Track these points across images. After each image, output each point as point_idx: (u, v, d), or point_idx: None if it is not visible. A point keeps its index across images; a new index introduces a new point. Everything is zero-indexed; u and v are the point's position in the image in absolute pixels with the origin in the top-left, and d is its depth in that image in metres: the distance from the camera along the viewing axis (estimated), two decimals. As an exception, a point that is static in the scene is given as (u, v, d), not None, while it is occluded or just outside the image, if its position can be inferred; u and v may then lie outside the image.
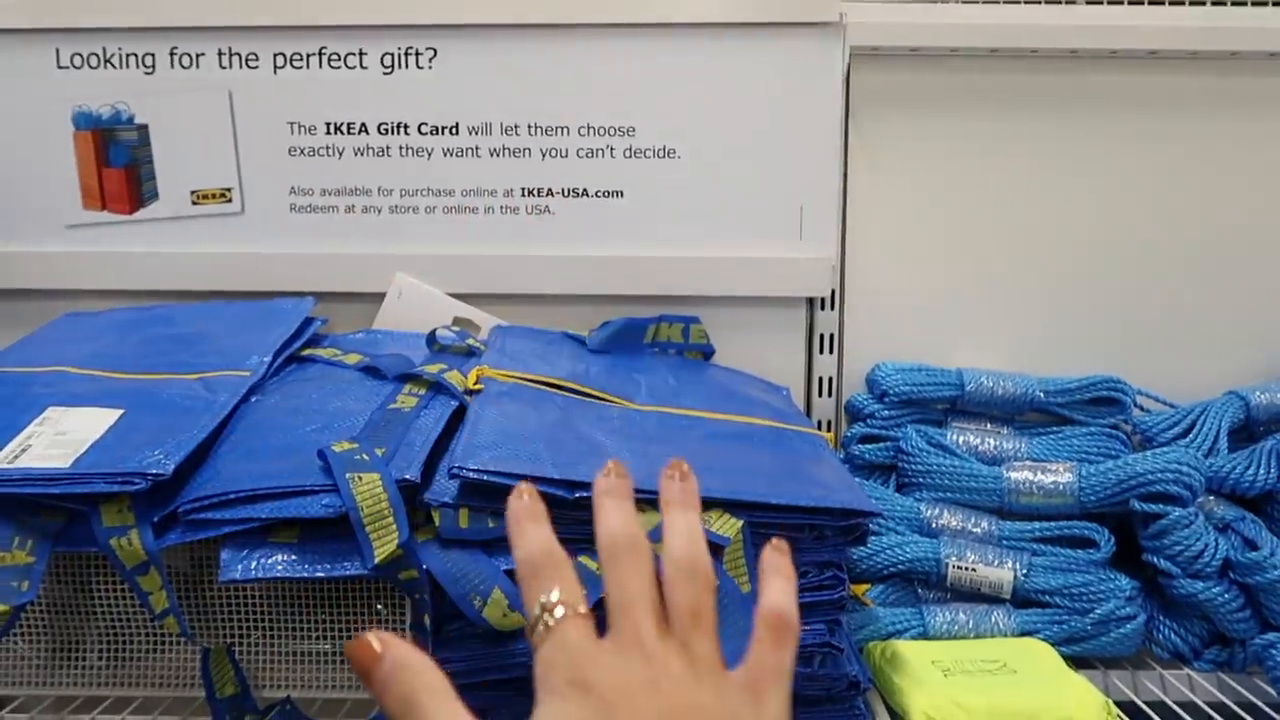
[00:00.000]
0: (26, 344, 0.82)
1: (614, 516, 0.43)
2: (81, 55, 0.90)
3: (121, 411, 0.66)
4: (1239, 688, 0.70)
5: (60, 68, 0.91)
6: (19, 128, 0.91)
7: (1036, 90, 0.91)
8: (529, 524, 0.42)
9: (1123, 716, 0.60)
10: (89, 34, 0.90)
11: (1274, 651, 0.64)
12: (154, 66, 0.91)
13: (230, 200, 0.92)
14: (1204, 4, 0.89)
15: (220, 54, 0.90)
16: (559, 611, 0.38)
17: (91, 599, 0.65)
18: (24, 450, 0.61)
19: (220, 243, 0.92)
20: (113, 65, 0.91)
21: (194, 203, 0.92)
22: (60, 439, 0.63)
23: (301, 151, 0.91)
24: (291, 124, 0.91)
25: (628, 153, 0.90)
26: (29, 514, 0.59)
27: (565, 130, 0.90)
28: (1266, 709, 0.66)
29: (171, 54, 0.90)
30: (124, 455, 0.61)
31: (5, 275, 0.92)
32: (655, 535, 0.56)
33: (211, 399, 0.69)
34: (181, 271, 0.92)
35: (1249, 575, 0.69)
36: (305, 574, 0.57)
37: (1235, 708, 0.67)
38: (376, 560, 0.56)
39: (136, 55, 0.90)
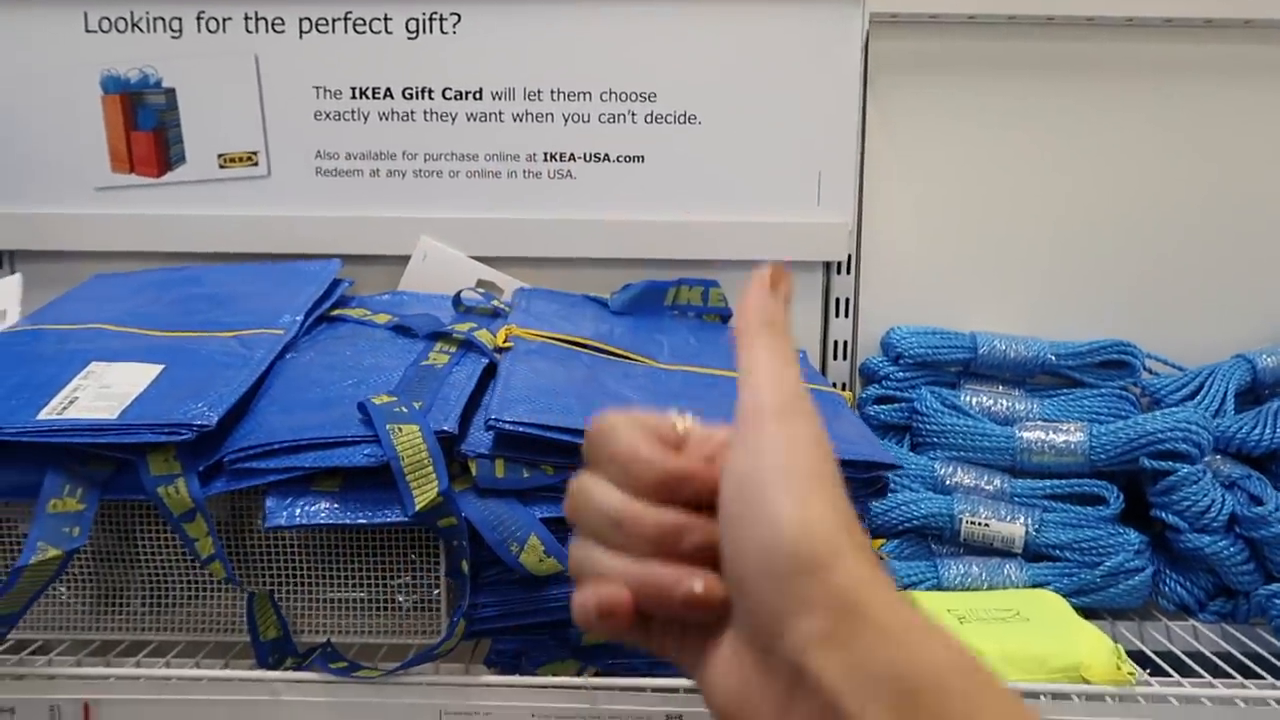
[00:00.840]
0: (60, 303, 0.83)
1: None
2: (109, 19, 0.92)
3: (163, 366, 0.68)
4: (1243, 638, 0.72)
5: (88, 31, 0.92)
6: (48, 91, 0.92)
7: (1053, 57, 0.92)
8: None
9: (1131, 662, 0.63)
10: (116, -2, 0.91)
11: (1277, 602, 0.66)
12: (181, 30, 0.92)
13: (257, 164, 0.94)
14: (1219, -28, 0.90)
15: (246, 18, 0.91)
16: None
17: (135, 547, 0.67)
18: (71, 402, 0.63)
19: (247, 205, 0.94)
20: (140, 29, 0.92)
21: (221, 166, 0.94)
22: (105, 392, 0.65)
23: (327, 115, 0.92)
24: (317, 88, 0.92)
25: (649, 118, 0.92)
26: (78, 463, 0.61)
27: (587, 95, 0.92)
28: (1270, 658, 0.68)
29: (198, 18, 0.92)
30: (169, 407, 0.63)
31: (35, 237, 0.94)
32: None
33: (249, 355, 0.71)
34: (209, 234, 0.93)
35: (1254, 529, 0.71)
36: (349, 521, 0.59)
37: (1240, 656, 0.69)
38: (418, 507, 0.58)
39: (164, 19, 0.92)
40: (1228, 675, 0.66)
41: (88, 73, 0.92)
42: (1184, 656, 0.69)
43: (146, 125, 0.93)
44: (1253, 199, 0.94)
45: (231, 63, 0.92)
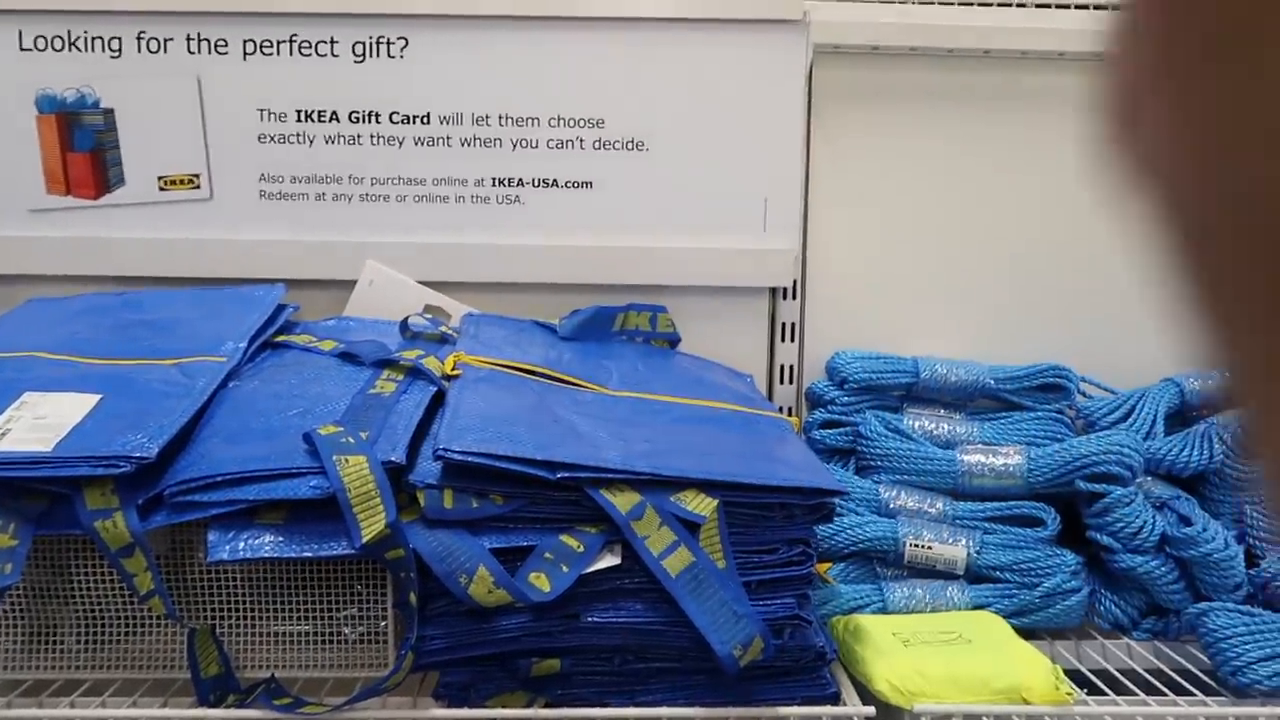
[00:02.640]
0: (-8, 329, 0.81)
1: None
2: (45, 37, 0.90)
3: (100, 397, 0.67)
4: (1174, 655, 0.74)
5: (24, 50, 0.90)
6: (-20, 110, 0.90)
7: (989, 88, 0.95)
8: None
9: (1069, 683, 0.65)
10: (53, 16, 0.89)
11: (1205, 619, 0.69)
12: (120, 50, 0.90)
13: (199, 186, 0.92)
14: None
15: (189, 39, 0.90)
16: None
17: (70, 583, 0.66)
18: (3, 434, 0.62)
19: (188, 229, 0.92)
20: (78, 48, 0.90)
21: (161, 188, 0.92)
22: (40, 423, 0.63)
23: (271, 138, 0.91)
24: (261, 111, 0.91)
25: (597, 144, 0.92)
26: (10, 498, 0.60)
27: (535, 121, 0.92)
28: (1199, 674, 0.71)
29: (139, 38, 0.90)
30: (106, 439, 0.61)
31: (-34, 259, 0.91)
32: (636, 513, 0.59)
33: (190, 384, 0.70)
34: (149, 258, 0.91)
35: (1184, 549, 0.74)
36: (294, 554, 0.59)
37: (1171, 673, 0.71)
38: (365, 540, 0.57)
39: (102, 39, 0.90)
40: (1160, 693, 0.68)
41: (22, 92, 0.90)
42: (1118, 674, 0.71)
43: (84, 146, 0.91)
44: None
45: (173, 84, 0.91)
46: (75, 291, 0.89)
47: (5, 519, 0.59)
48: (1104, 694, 0.67)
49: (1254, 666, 0.65)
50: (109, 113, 0.91)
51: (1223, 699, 0.66)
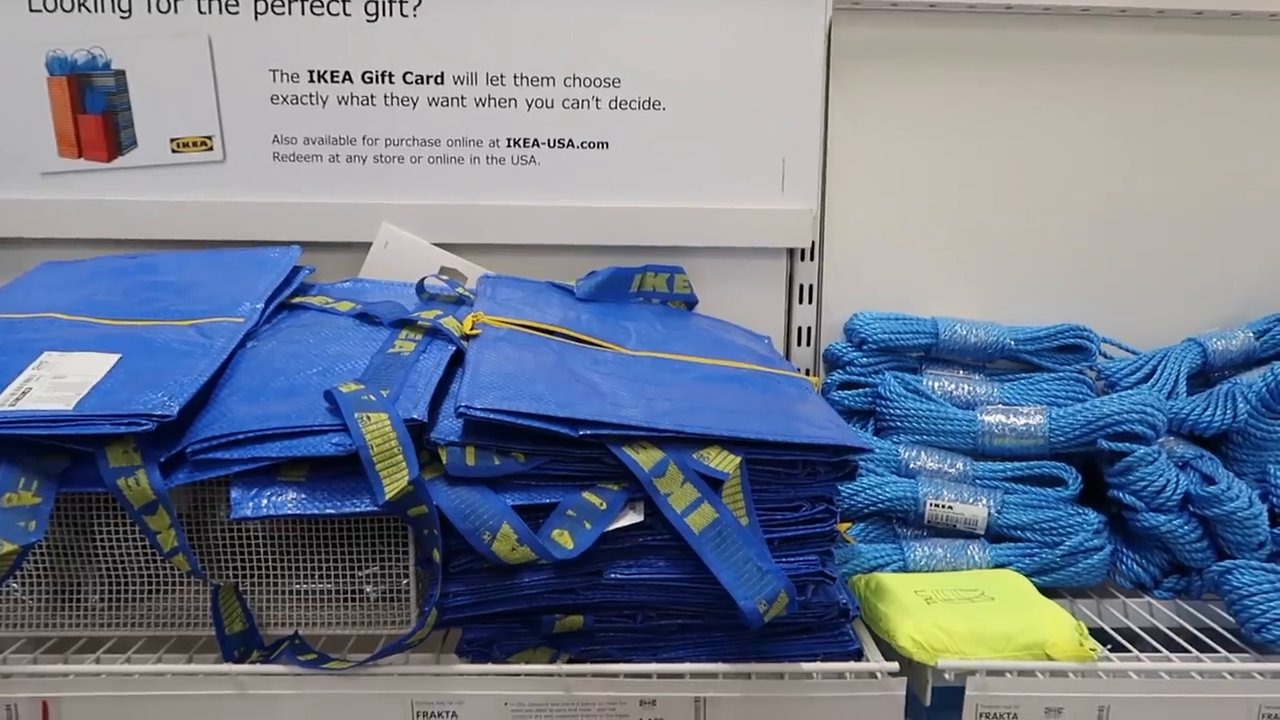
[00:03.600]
0: (7, 291, 0.81)
1: None
2: (54, -2, 0.88)
3: (119, 356, 0.67)
4: (1196, 613, 0.74)
5: (33, 10, 0.89)
6: (-9, 72, 0.89)
7: (1012, 46, 0.93)
8: None
9: (1093, 640, 0.64)
10: (61, -24, 0.88)
11: (1229, 577, 0.68)
12: (131, 10, 0.89)
13: (211, 148, 0.91)
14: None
15: (199, -1, 0.89)
16: None
17: (93, 541, 0.66)
18: (24, 393, 0.62)
19: (201, 191, 0.91)
20: (87, 9, 0.89)
21: (174, 150, 0.91)
22: (60, 382, 0.63)
23: (284, 99, 0.90)
24: (274, 71, 0.90)
25: (613, 104, 0.91)
26: (33, 456, 0.59)
27: (551, 81, 0.91)
28: (1222, 631, 0.71)
29: (148, -2, 0.89)
30: (127, 398, 0.61)
31: (-21, 223, 0.90)
32: (658, 470, 0.59)
33: (208, 344, 0.69)
34: (162, 220, 0.91)
35: (1207, 508, 0.73)
36: (316, 511, 0.59)
37: (1194, 631, 0.71)
38: (388, 496, 0.57)
39: (112, -2, 0.89)
40: (1183, 649, 0.68)
41: (33, 54, 0.89)
42: (1140, 632, 0.71)
43: (95, 108, 0.91)
44: (1203, 187, 0.96)
45: (184, 45, 0.90)
46: (88, 255, 0.89)
47: (28, 477, 0.59)
48: (1127, 651, 0.67)
49: (1278, 623, 0.64)
50: (120, 74, 0.90)
51: (1246, 655, 0.66)
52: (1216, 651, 0.67)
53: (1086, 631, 0.63)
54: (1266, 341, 0.89)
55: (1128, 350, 0.92)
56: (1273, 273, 0.97)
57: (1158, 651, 0.67)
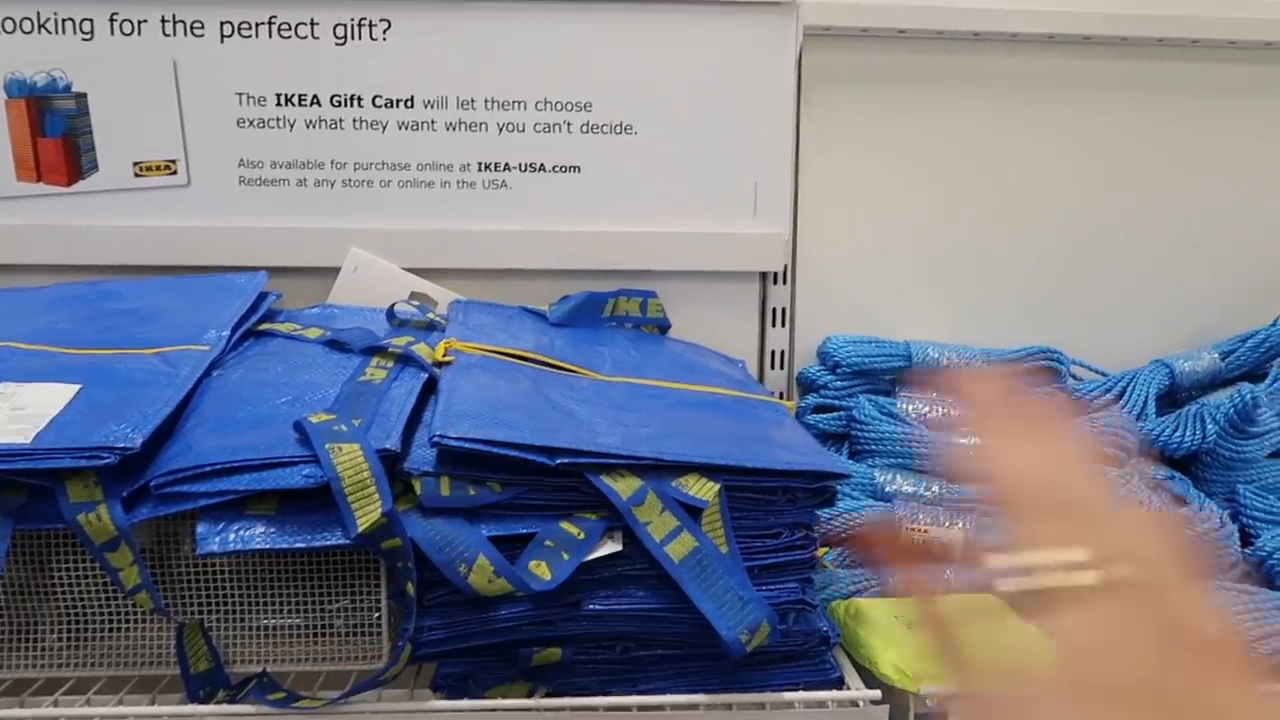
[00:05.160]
0: (-38, 320, 0.78)
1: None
2: (14, 19, 0.87)
3: (79, 386, 0.65)
4: (1171, 634, 0.74)
5: (-10, 32, 0.87)
6: (-54, 94, 0.87)
7: (979, 72, 0.94)
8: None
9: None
10: (21, -3, 0.86)
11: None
12: (93, 33, 0.87)
13: (175, 172, 0.90)
14: (1133, -7, 0.94)
15: (164, 21, 0.88)
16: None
17: (51, 579, 0.63)
18: (-20, 426, 0.59)
19: (166, 216, 0.89)
20: (48, 30, 0.87)
21: (137, 175, 0.89)
22: (18, 414, 0.61)
23: (250, 123, 0.89)
24: (240, 94, 0.89)
25: (585, 128, 0.91)
26: (-11, 490, 0.57)
27: (522, 105, 0.90)
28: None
29: (111, 20, 0.87)
30: (87, 430, 0.59)
31: (-67, 249, 0.88)
32: (637, 498, 0.58)
33: (173, 373, 0.67)
34: (124, 246, 0.89)
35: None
36: (286, 545, 0.57)
37: (1168, 652, 0.71)
38: (360, 529, 0.56)
39: (74, 20, 0.87)
40: (1160, 671, 0.68)
41: (-10, 75, 0.87)
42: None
43: (55, 131, 0.89)
44: (1169, 210, 0.98)
45: (147, 67, 0.88)
46: (48, 281, 0.86)
47: (-17, 513, 0.57)
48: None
49: (1253, 645, 0.65)
50: (81, 97, 0.88)
51: (1223, 676, 0.66)
52: (1193, 673, 0.67)
53: (1066, 655, 0.63)
54: (1232, 362, 0.91)
55: (1097, 371, 0.92)
56: (1237, 294, 0.99)
57: (1135, 674, 0.67)
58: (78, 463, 0.57)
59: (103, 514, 0.57)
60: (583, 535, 0.59)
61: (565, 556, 0.59)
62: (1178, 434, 0.80)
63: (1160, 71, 0.95)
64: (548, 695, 0.61)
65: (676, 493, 0.60)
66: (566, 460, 0.59)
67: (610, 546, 0.60)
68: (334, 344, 0.75)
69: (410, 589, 0.58)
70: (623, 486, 0.60)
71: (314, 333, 0.78)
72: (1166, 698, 0.26)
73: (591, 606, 0.60)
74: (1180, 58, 0.95)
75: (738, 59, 0.91)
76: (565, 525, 0.60)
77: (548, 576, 0.58)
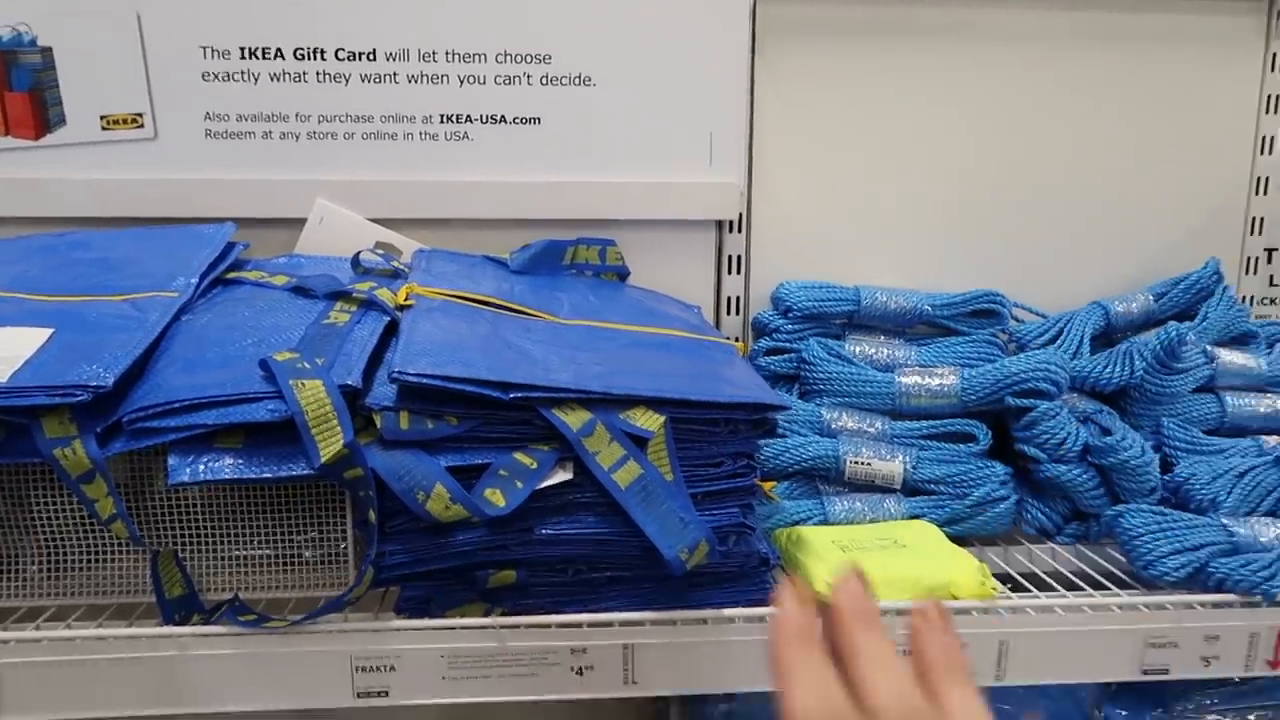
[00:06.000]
0: (-64, 270, 0.80)
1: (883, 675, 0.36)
2: (-25, -27, 0.88)
3: (51, 331, 0.67)
4: (1095, 556, 0.79)
5: (-47, -14, 0.88)
6: (-89, 48, 0.88)
7: (930, 24, 0.97)
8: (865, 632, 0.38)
9: (995, 580, 0.69)
10: (-17, -49, 0.87)
11: (1121, 520, 0.73)
12: (55, -14, 0.89)
13: (142, 125, 0.91)
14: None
15: (126, -26, 0.89)
16: None
17: (30, 513, 0.67)
18: (-43, 367, 0.62)
19: (133, 169, 0.91)
20: (10, -16, 0.88)
21: (104, 128, 0.91)
22: (-6, 355, 0.63)
23: (215, 76, 0.91)
24: (204, 48, 0.90)
25: (544, 80, 0.93)
26: (-33, 428, 0.60)
27: (483, 57, 0.92)
28: (1117, 572, 0.76)
29: (73, -27, 0.88)
30: (61, 370, 0.62)
31: (-96, 202, 0.90)
32: (586, 430, 0.62)
33: (142, 318, 0.70)
34: (93, 198, 0.91)
35: (1103, 458, 0.78)
36: (254, 475, 0.60)
37: (1092, 573, 0.76)
38: (323, 460, 0.59)
39: (35, -26, 0.88)
40: (1080, 589, 0.73)
41: (-46, 30, 0.88)
42: (1044, 575, 0.76)
43: (21, 86, 0.90)
44: (1107, 160, 1.01)
45: (112, 21, 0.89)
46: (18, 234, 0.88)
47: (-37, 448, 0.60)
48: (1029, 591, 0.72)
49: (1164, 560, 0.70)
50: (47, 51, 0.90)
51: (1135, 591, 0.71)
52: (1109, 589, 0.72)
53: (989, 573, 0.68)
54: (1165, 303, 0.95)
55: (1037, 314, 0.96)
56: (1171, 239, 1.02)
57: (1056, 590, 0.71)
58: (52, 400, 0.60)
59: (77, 448, 0.60)
60: (535, 465, 0.63)
61: (519, 485, 0.62)
62: (1108, 370, 0.85)
63: (1100, 23, 0.98)
64: (504, 614, 0.65)
65: (624, 424, 0.64)
66: (520, 395, 0.63)
67: (561, 475, 0.64)
68: (300, 290, 0.78)
69: (372, 516, 0.62)
70: (573, 419, 0.63)
71: (281, 280, 0.80)
72: None
73: (544, 531, 0.64)
74: (1121, 8, 0.98)
75: (693, 11, 0.93)
76: (519, 456, 0.63)
77: (502, 503, 0.62)
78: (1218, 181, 1.03)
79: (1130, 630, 0.67)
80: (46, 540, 0.67)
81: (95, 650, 0.62)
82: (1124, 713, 0.84)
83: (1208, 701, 0.84)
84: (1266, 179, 1.03)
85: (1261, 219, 1.04)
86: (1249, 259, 1.04)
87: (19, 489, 0.66)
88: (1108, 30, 0.99)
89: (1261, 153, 1.02)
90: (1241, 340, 0.94)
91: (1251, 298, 1.05)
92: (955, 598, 0.66)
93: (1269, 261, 1.11)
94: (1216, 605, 0.68)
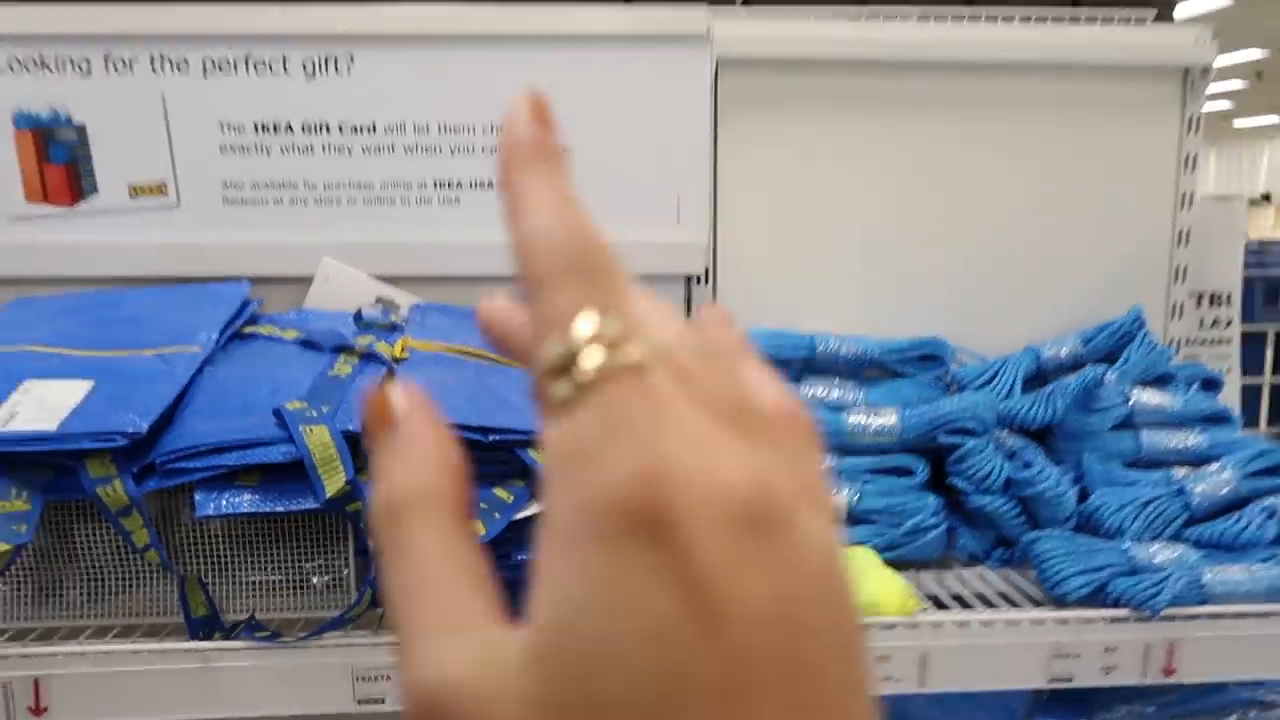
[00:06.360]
0: (-15, 326, 0.90)
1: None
2: (20, 60, 0.99)
3: (92, 383, 0.77)
4: (1019, 579, 0.88)
5: (0, 72, 0.99)
6: (-38, 127, 0.99)
7: (876, 94, 1.08)
8: (535, 172, 0.25)
9: (924, 600, 0.78)
10: (28, 40, 0.98)
11: (1034, 545, 0.82)
12: (90, 70, 1.00)
13: (166, 193, 1.02)
14: (979, 20, 1.07)
15: (152, 59, 1.00)
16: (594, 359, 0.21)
17: (72, 544, 0.76)
18: (13, 416, 0.72)
19: (158, 232, 1.02)
20: (50, 69, 0.99)
21: (132, 196, 1.02)
22: (43, 406, 0.73)
23: (232, 149, 1.02)
24: (222, 123, 1.01)
25: (527, 150, 1.03)
26: (23, 469, 0.70)
27: (471, 129, 1.03)
28: (1034, 592, 0.85)
29: (106, 59, 0.99)
30: (102, 418, 0.72)
31: (-47, 264, 1.00)
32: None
33: (170, 370, 0.80)
34: (122, 259, 1.01)
35: (1023, 489, 0.88)
36: (269, 508, 0.70)
37: (1013, 594, 0.85)
38: (329, 495, 0.69)
39: (73, 59, 0.99)
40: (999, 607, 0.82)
41: (1, 110, 0.99)
42: (971, 596, 0.85)
43: (59, 159, 1.01)
44: (1041, 216, 1.11)
45: (139, 100, 1.00)
46: (56, 291, 0.99)
47: (19, 487, 0.69)
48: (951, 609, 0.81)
49: (1069, 579, 0.79)
50: (81, 128, 1.00)
51: (1045, 608, 0.80)
52: (1021, 607, 0.81)
53: (914, 592, 0.77)
54: (1092, 348, 1.04)
55: (978, 357, 1.06)
56: (1100, 288, 1.12)
57: (976, 609, 0.81)
58: (96, 445, 0.69)
59: (117, 486, 0.70)
60: (511, 499, 0.73)
61: (496, 516, 0.72)
62: (1033, 410, 0.94)
63: (1032, 91, 1.09)
64: (486, 631, 0.74)
65: (589, 463, 0.73)
66: (498, 438, 0.72)
67: (535, 508, 0.73)
68: (308, 344, 0.88)
69: (371, 544, 0.71)
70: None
71: (290, 334, 0.90)
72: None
73: (519, 557, 0.73)
74: (1051, 78, 1.09)
75: (659, 86, 1.03)
76: (498, 490, 0.73)
77: (482, 531, 0.71)
78: (1143, 234, 1.13)
79: (1038, 643, 0.76)
80: (87, 567, 0.77)
81: (131, 663, 0.71)
82: (1053, 721, 0.93)
83: (1134, 710, 0.93)
84: (1187, 231, 1.13)
85: (1185, 267, 1.14)
86: (1174, 304, 1.14)
87: (63, 523, 0.76)
88: (1040, 98, 1.09)
89: (1181, 208, 1.12)
90: (1162, 381, 1.03)
91: (1178, 341, 1.15)
92: (881, 613, 0.75)
93: (1198, 306, 1.21)
94: (1114, 620, 0.77)
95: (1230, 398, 1.20)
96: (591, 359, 0.22)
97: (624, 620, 0.20)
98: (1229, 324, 1.23)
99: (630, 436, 0.21)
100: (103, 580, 0.77)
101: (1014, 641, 0.76)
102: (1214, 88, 1.05)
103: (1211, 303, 1.23)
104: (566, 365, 0.22)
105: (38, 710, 0.71)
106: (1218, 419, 1.00)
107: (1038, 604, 0.82)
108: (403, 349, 0.85)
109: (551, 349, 0.22)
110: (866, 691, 0.22)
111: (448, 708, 0.21)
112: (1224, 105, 11.62)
